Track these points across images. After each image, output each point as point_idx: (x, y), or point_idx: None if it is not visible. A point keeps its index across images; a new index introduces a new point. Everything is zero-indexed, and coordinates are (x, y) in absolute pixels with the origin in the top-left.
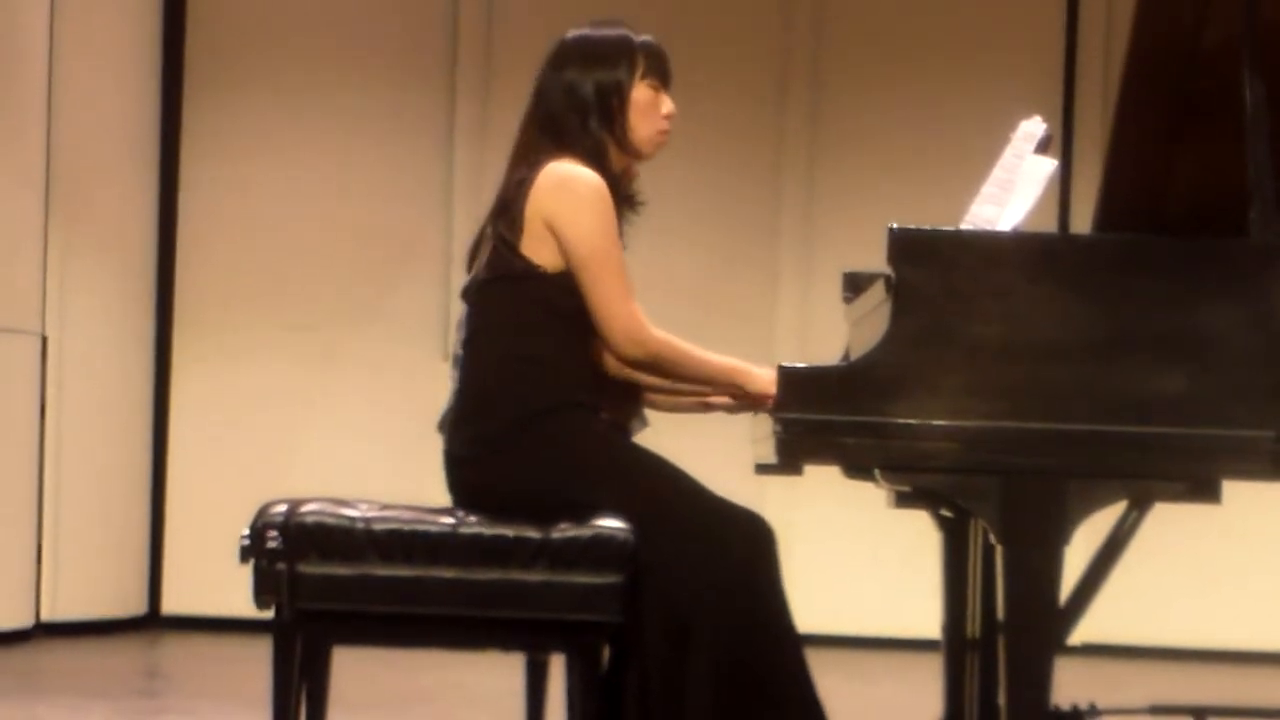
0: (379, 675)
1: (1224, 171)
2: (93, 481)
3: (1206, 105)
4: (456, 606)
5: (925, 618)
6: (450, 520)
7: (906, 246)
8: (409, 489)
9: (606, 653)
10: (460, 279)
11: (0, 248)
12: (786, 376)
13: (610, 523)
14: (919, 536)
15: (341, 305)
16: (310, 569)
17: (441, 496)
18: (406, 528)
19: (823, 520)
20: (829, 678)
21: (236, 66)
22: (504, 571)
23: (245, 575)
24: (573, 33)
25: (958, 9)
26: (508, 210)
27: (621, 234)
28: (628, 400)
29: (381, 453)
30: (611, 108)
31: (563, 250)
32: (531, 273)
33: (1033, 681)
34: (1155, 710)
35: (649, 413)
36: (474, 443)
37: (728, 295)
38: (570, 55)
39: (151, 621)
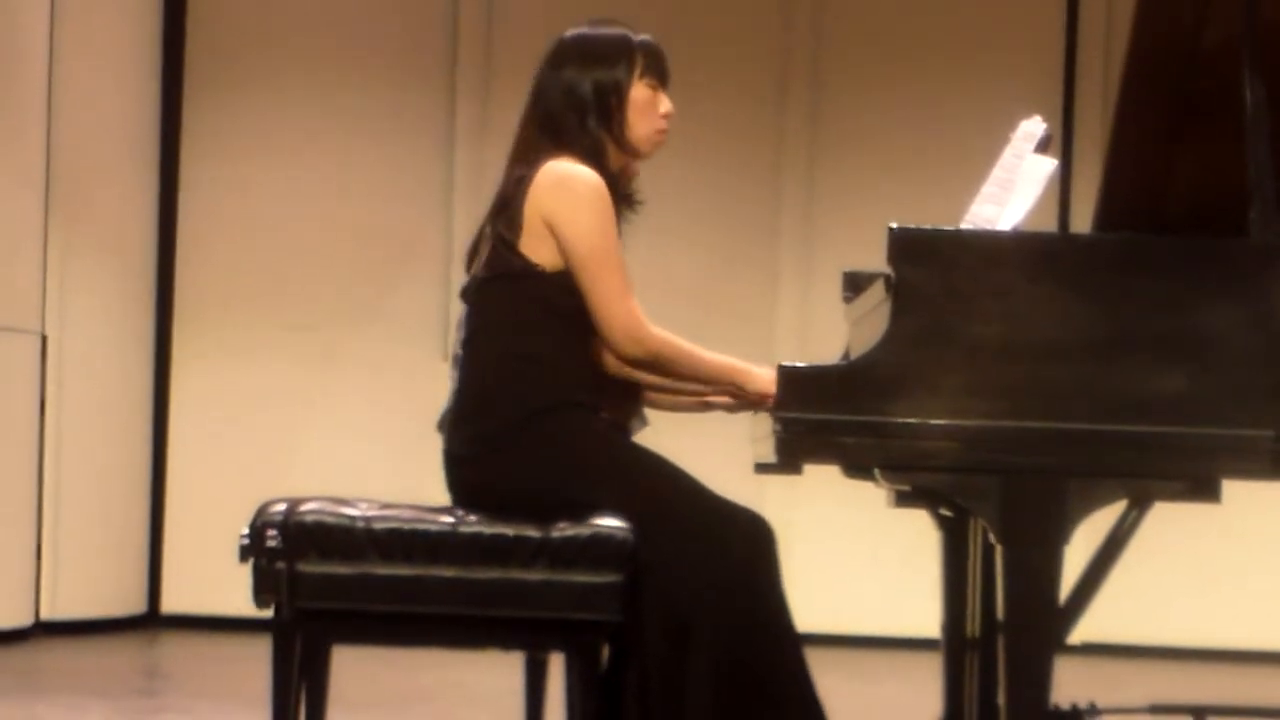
0: (379, 674)
1: (1224, 171)
2: (92, 480)
3: (1206, 105)
4: (456, 605)
5: (925, 617)
6: (450, 519)
7: (906, 246)
8: (409, 489)
9: (606, 652)
10: (460, 279)
11: (0, 247)
12: (786, 376)
13: (610, 522)
14: (919, 536)
15: (341, 305)
16: (310, 568)
17: (441, 496)
18: (406, 527)
19: (822, 520)
20: (829, 677)
21: (236, 67)
22: (503, 570)
23: (245, 574)
24: (571, 32)
25: (958, 9)
26: (506, 209)
27: (620, 233)
28: (627, 399)
29: (381, 452)
30: (610, 106)
31: (562, 249)
32: (530, 271)
33: (1032, 681)
34: (1155, 709)
35: (649, 412)
36: (473, 442)
37: (728, 295)
38: (569, 54)
39: (151, 620)
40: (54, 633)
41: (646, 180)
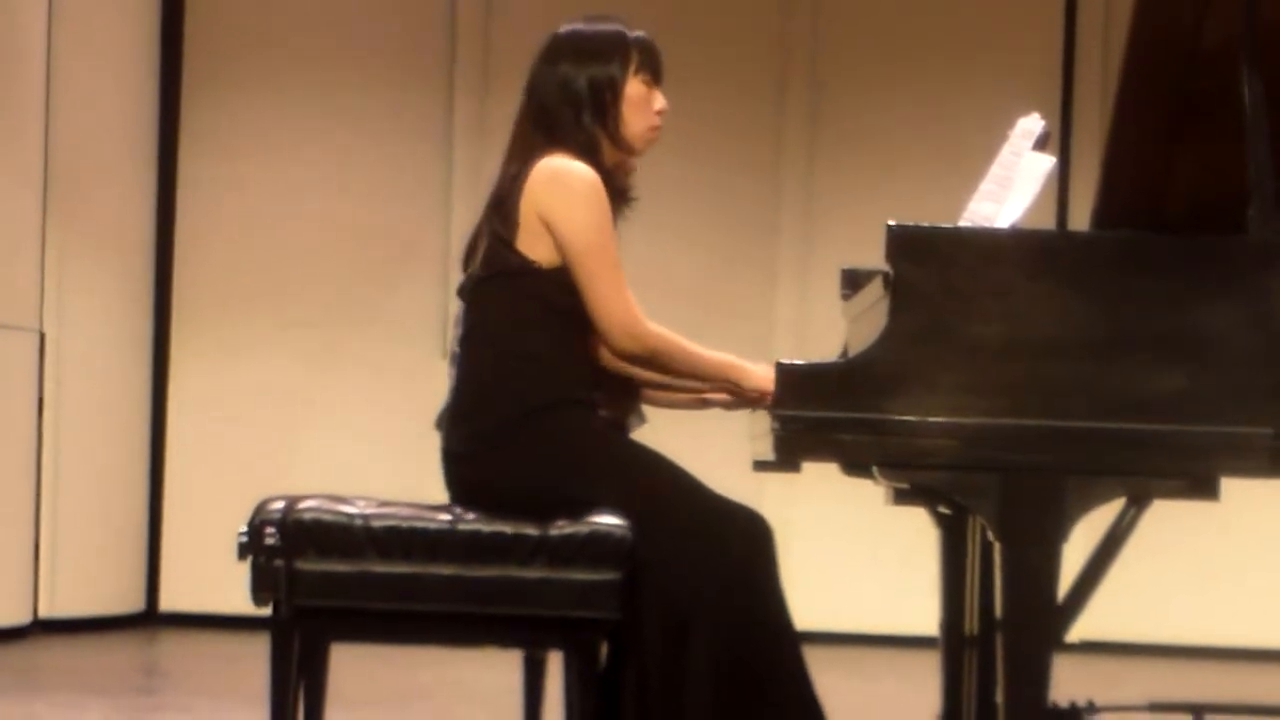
0: (377, 672)
1: (1223, 170)
2: (91, 479)
3: (1206, 104)
4: (454, 603)
5: (923, 615)
6: (448, 517)
7: (905, 244)
8: (408, 487)
9: (605, 650)
10: (459, 277)
11: None
12: (785, 373)
13: (608, 520)
14: (917, 534)
15: (341, 304)
16: (308, 566)
17: (440, 495)
18: (404, 524)
19: (821, 517)
20: (827, 675)
21: (235, 66)
22: (502, 568)
23: (243, 572)
24: (566, 27)
25: (958, 9)
26: (502, 206)
27: (616, 229)
28: (626, 396)
29: (381, 451)
30: (605, 102)
31: (558, 245)
32: (527, 269)
33: (1031, 679)
34: (1153, 707)
35: (647, 409)
36: (471, 439)
37: (727, 294)
38: (564, 50)
39: (149, 618)
40: (52, 631)
41: (645, 178)
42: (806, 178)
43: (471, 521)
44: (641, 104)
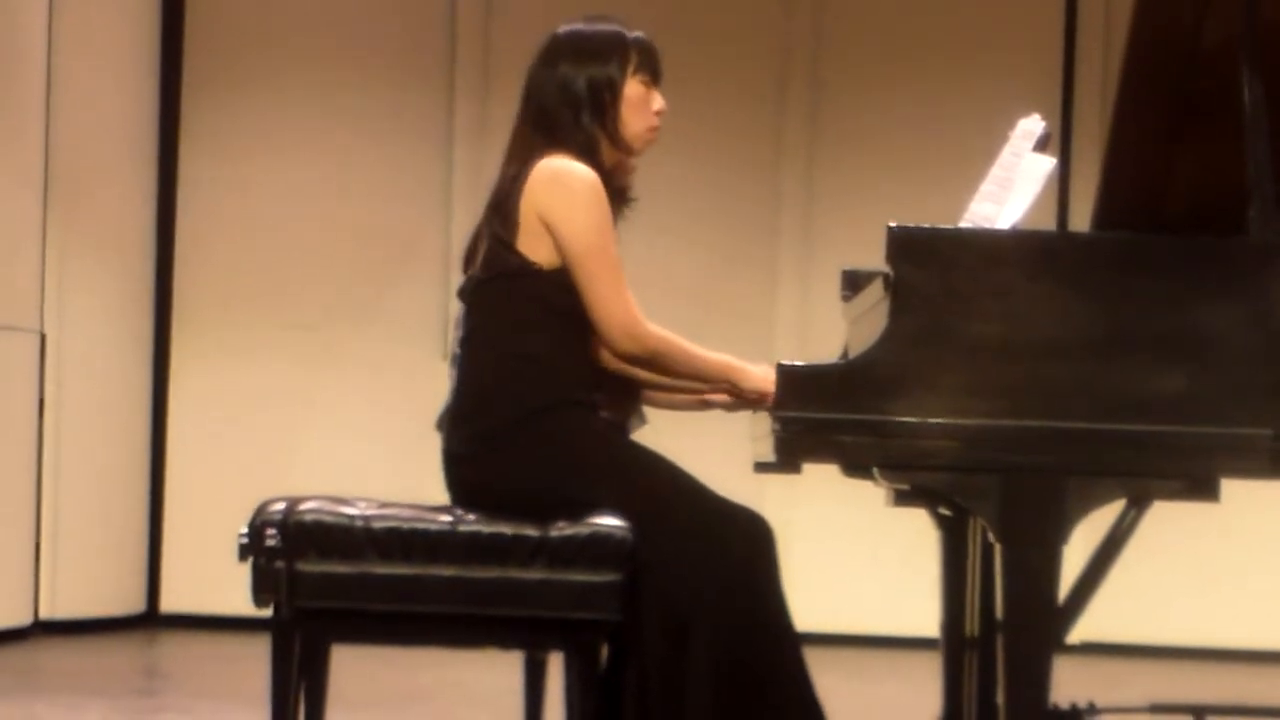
0: (378, 673)
1: (1223, 171)
2: (91, 480)
3: (1206, 105)
4: (455, 605)
5: (924, 616)
6: (448, 518)
7: (905, 245)
8: (408, 488)
9: (605, 651)
10: (459, 278)
11: None
12: (785, 375)
13: (609, 521)
14: (918, 535)
15: (341, 305)
16: (309, 567)
17: (441, 496)
18: (405, 526)
19: (822, 519)
20: (828, 676)
21: (236, 66)
22: (502, 570)
23: (244, 573)
24: (565, 28)
25: (958, 9)
26: (502, 207)
27: (615, 229)
28: (626, 397)
29: (381, 452)
30: (604, 102)
31: (558, 246)
32: (528, 270)
33: (1031, 680)
34: (1154, 709)
35: (648, 410)
36: (472, 441)
37: (727, 294)
38: (562, 50)
39: (150, 620)
40: (53, 632)
41: (645, 178)
42: (807, 178)
43: (472, 523)
44: (640, 104)
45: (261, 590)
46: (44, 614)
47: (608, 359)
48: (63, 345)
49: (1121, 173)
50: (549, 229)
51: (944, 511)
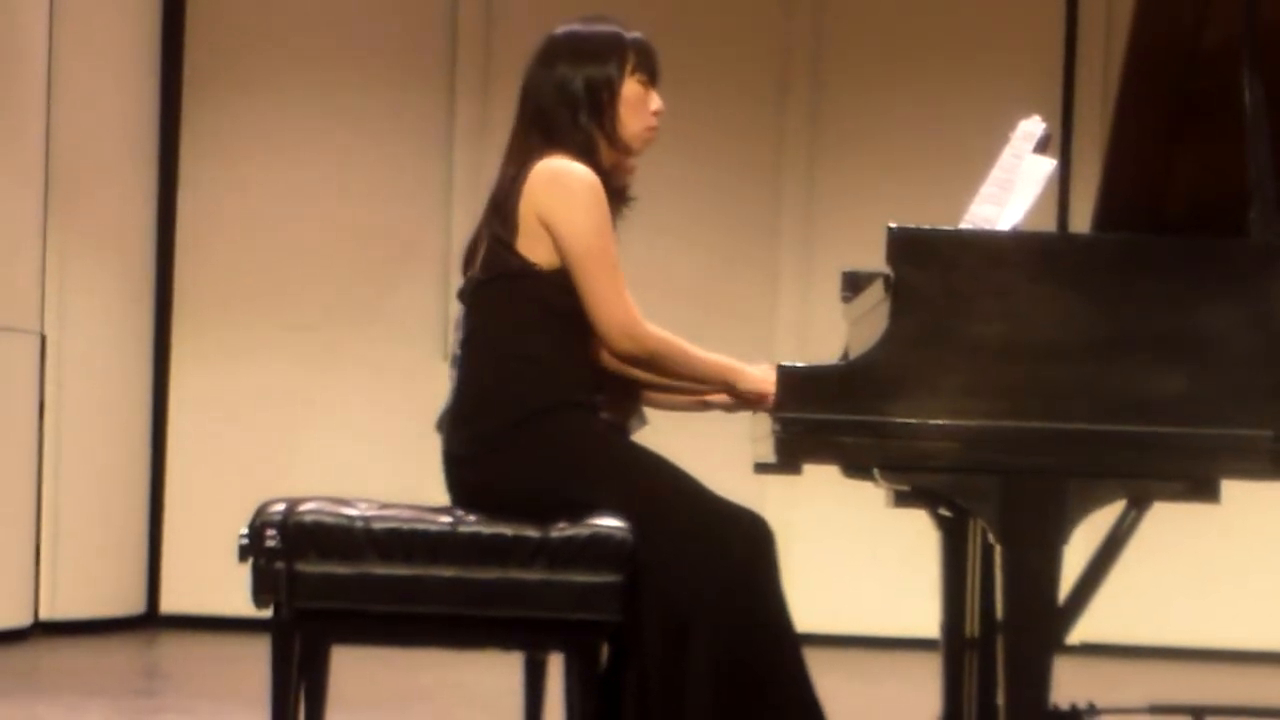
0: (378, 674)
1: (1224, 171)
2: (92, 480)
3: (1206, 105)
4: (455, 605)
5: (924, 617)
6: (449, 519)
7: (906, 246)
8: (408, 488)
9: (605, 652)
10: (459, 279)
11: (0, 246)
12: (786, 376)
13: (609, 522)
14: (918, 536)
15: (341, 305)
16: (309, 568)
17: (441, 496)
18: (405, 527)
19: (822, 520)
20: (828, 677)
21: (236, 66)
22: (503, 570)
23: (244, 574)
24: (562, 29)
25: (958, 9)
26: (502, 208)
27: (614, 229)
28: (627, 398)
29: (381, 453)
30: (602, 102)
31: (557, 246)
32: (528, 271)
33: (1032, 681)
34: (1154, 710)
35: (648, 411)
36: (472, 442)
37: (728, 295)
38: (560, 51)
39: (150, 620)
40: (53, 633)
41: (645, 179)
42: (807, 179)
43: (472, 524)
44: (638, 104)
45: (261, 591)
46: (44, 614)
47: (608, 360)
48: (63, 346)
49: (1122, 173)
50: (548, 229)
51: (944, 512)
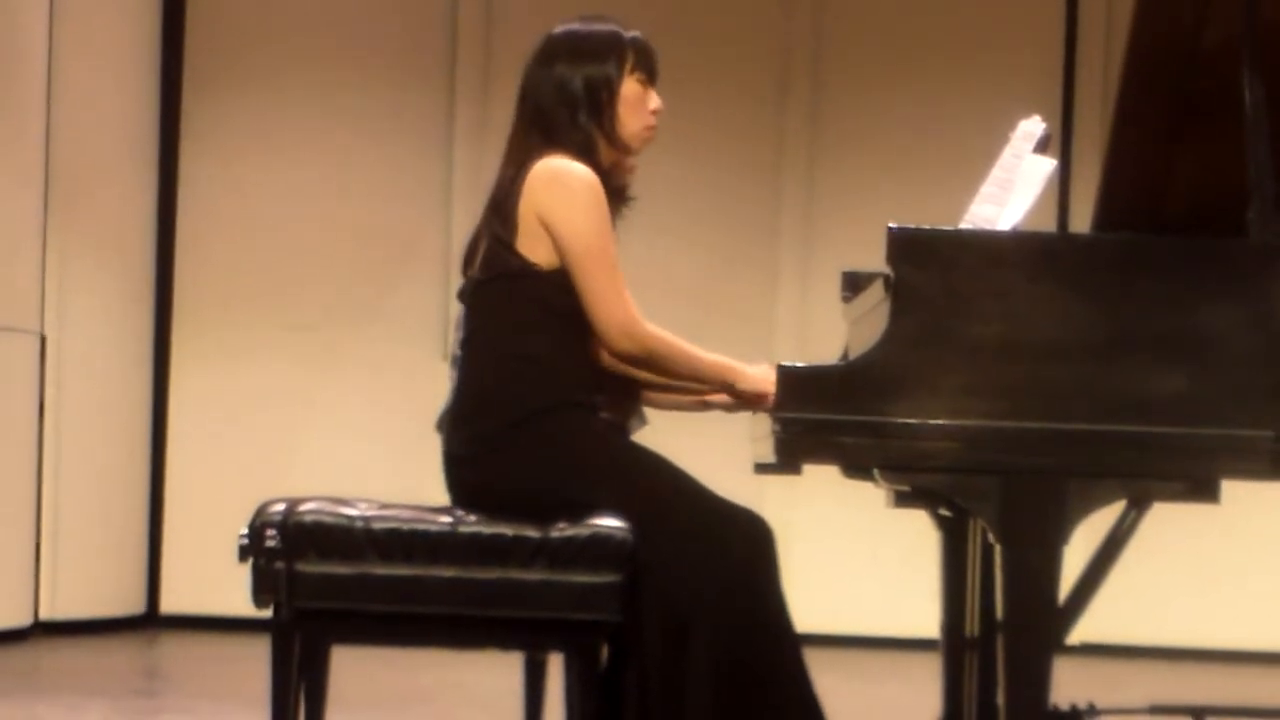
0: (378, 674)
1: (1224, 171)
2: (92, 480)
3: (1206, 105)
4: (455, 606)
5: (924, 617)
6: (449, 519)
7: (906, 246)
8: (408, 488)
9: (605, 652)
10: (459, 279)
11: None
12: (785, 376)
13: (609, 522)
14: (918, 536)
15: (341, 305)
16: (309, 568)
17: (441, 496)
18: (405, 527)
19: (822, 520)
20: (828, 677)
21: (236, 66)
22: (503, 571)
23: (244, 574)
24: (560, 28)
25: (958, 9)
26: (501, 208)
27: (614, 228)
28: (627, 398)
29: (381, 453)
30: (601, 102)
31: (557, 246)
32: (528, 270)
33: (1032, 681)
34: (1154, 710)
35: (648, 411)
36: (472, 442)
37: (727, 295)
38: (559, 50)
39: (150, 620)
40: (53, 633)
41: (645, 178)
42: (807, 179)
43: (472, 524)
44: (637, 103)
45: (261, 591)
46: (44, 614)
47: (607, 360)
48: (63, 346)
49: (1122, 174)
50: (548, 229)
51: (944, 512)
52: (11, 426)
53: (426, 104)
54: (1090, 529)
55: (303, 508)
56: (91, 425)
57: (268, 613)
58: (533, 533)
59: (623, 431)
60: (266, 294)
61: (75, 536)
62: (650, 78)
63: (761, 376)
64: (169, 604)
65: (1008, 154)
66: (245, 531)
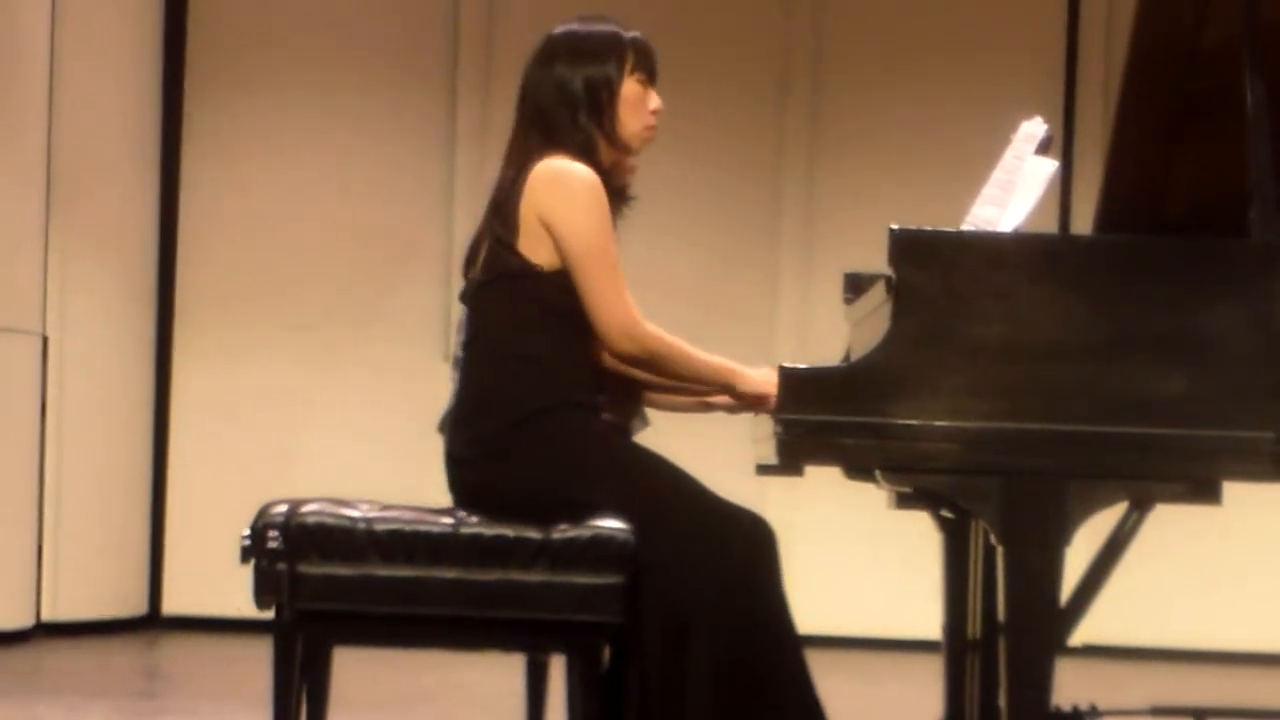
0: (380, 675)
1: (1224, 171)
2: (93, 481)
3: (1206, 105)
4: (457, 607)
5: (926, 619)
6: (450, 521)
7: (907, 247)
8: (409, 488)
9: (607, 653)
10: (460, 280)
11: (1, 247)
12: (787, 377)
13: (610, 523)
14: (920, 537)
15: (341, 305)
16: (311, 569)
17: (442, 497)
18: (407, 528)
19: (823, 521)
20: (829, 678)
21: (237, 66)
22: (504, 572)
23: (246, 575)
24: (560, 28)
25: (958, 9)
26: (502, 209)
27: (615, 228)
28: (628, 399)
29: (381, 453)
30: (601, 102)
31: (558, 247)
32: (529, 271)
33: (1033, 682)
34: (1156, 711)
35: (649, 412)
36: (473, 443)
37: (728, 295)
38: (559, 50)
39: (152, 621)
40: (55, 634)
41: (645, 179)
42: (808, 179)
43: (474, 525)
44: (637, 104)
45: (263, 592)
46: (46, 616)
47: (609, 360)
48: (64, 347)
49: (1123, 174)
50: (549, 230)
51: (946, 514)
52: (13, 427)
53: (428, 104)
54: (1092, 530)
55: (305, 509)
56: (93, 426)
57: (270, 614)
58: (534, 534)
59: (624, 432)
60: (268, 294)
61: (77, 537)
62: (650, 78)
63: (762, 378)
64: (170, 605)
65: (1009, 155)
66: (247, 533)
